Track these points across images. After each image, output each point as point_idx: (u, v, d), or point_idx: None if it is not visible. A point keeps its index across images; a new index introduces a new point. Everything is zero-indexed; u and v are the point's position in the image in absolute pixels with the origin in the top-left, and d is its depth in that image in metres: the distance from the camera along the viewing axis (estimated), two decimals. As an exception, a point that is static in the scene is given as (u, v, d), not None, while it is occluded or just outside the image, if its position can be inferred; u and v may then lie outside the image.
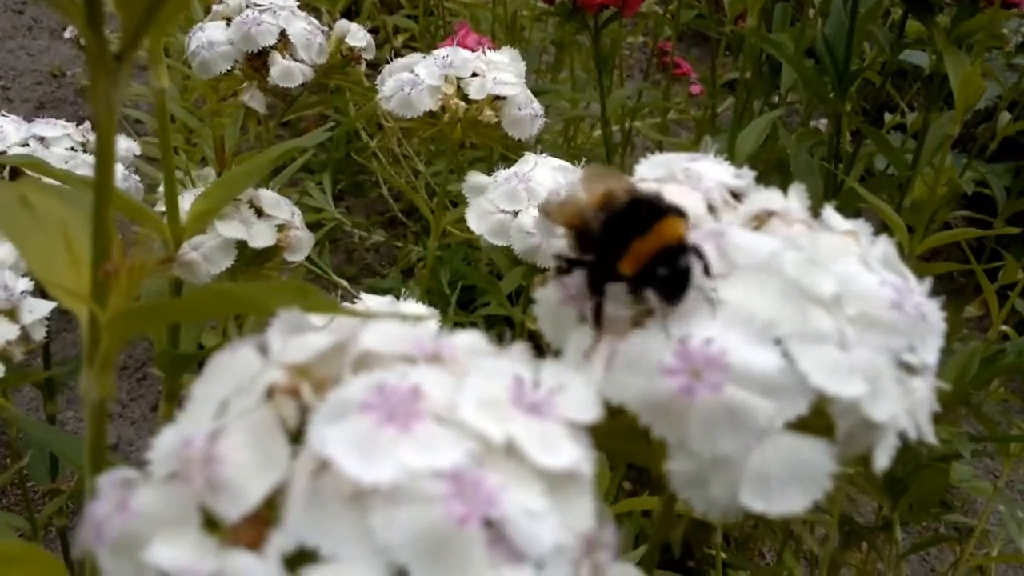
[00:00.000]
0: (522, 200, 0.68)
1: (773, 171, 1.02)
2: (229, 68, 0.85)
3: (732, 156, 1.03)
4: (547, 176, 0.69)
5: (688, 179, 0.35)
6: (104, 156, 0.34)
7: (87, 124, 1.00)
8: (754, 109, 1.25)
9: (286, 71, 0.85)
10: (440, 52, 0.79)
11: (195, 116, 1.28)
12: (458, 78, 0.77)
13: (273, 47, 0.85)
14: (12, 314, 0.57)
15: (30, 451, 1.00)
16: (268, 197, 0.75)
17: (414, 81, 0.76)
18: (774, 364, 0.27)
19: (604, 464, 0.64)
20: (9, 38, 2.71)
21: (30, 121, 0.97)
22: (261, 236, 0.71)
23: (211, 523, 0.24)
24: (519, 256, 0.67)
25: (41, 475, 1.14)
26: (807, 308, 0.28)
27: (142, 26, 0.33)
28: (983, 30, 0.81)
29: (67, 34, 1.94)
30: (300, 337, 0.28)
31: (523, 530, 0.23)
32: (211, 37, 0.85)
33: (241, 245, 0.73)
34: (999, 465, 1.38)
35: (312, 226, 1.66)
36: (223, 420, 0.25)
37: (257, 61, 0.86)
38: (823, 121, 1.63)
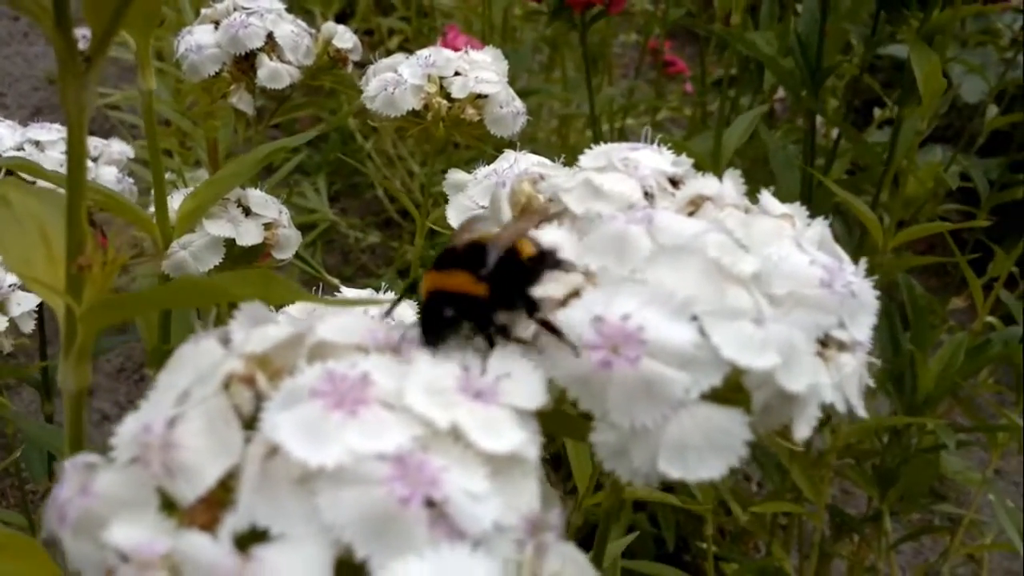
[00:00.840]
0: (500, 197, 0.69)
1: (759, 167, 1.03)
2: (217, 71, 0.86)
3: (718, 153, 1.04)
4: (527, 173, 0.70)
5: (626, 167, 0.36)
6: (76, 154, 0.36)
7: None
8: (742, 106, 1.26)
9: (273, 73, 0.86)
10: (423, 52, 0.80)
11: (188, 119, 1.29)
12: (440, 77, 0.78)
13: (260, 49, 0.86)
14: (1, 307, 0.58)
15: (23, 447, 1.01)
16: (256, 196, 0.76)
17: (397, 81, 0.77)
18: (689, 338, 0.28)
19: (587, 453, 0.65)
20: (5, 44, 2.72)
21: (26, 126, 0.99)
22: (248, 234, 0.72)
23: (169, 506, 0.25)
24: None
25: (39, 474, 1.15)
26: (725, 286, 0.30)
27: (110, 29, 0.35)
28: (950, 25, 0.82)
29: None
30: (261, 328, 0.29)
31: (464, 511, 0.24)
32: (199, 40, 0.86)
33: (229, 243, 0.74)
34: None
35: (307, 227, 1.67)
36: (182, 408, 0.26)
37: (245, 64, 0.87)
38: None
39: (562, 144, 1.70)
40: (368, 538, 0.23)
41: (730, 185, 0.35)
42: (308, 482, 0.24)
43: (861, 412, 0.30)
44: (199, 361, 0.29)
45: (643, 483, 0.27)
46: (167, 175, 0.88)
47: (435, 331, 0.29)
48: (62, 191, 0.87)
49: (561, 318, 0.28)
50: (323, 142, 1.88)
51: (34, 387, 1.07)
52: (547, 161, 0.75)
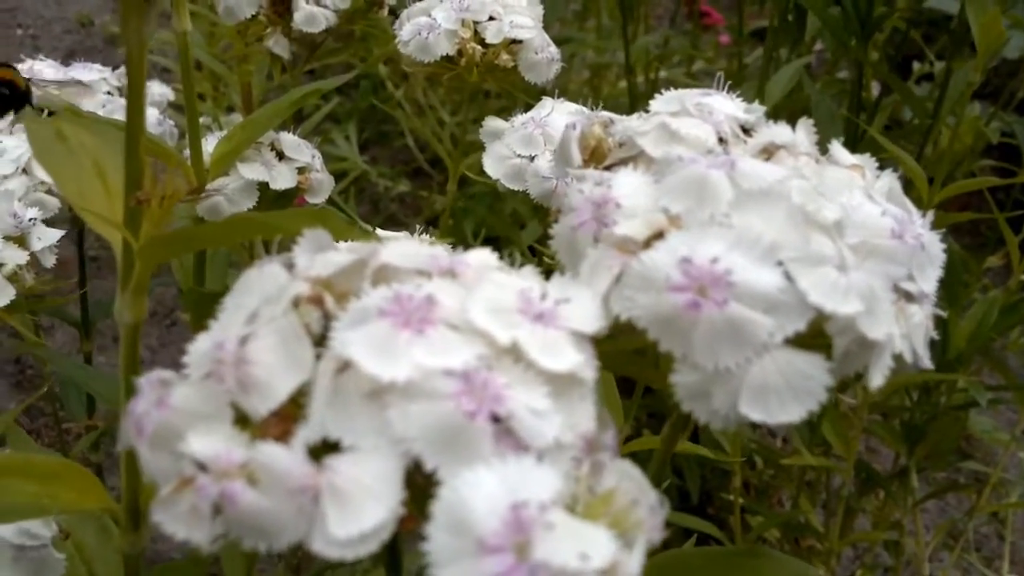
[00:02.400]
0: (538, 145, 0.69)
1: (797, 120, 1.01)
2: (254, 14, 0.86)
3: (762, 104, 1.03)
4: (564, 121, 0.70)
5: (700, 112, 0.36)
6: (135, 89, 0.36)
7: (122, 69, 1.02)
8: (781, 58, 1.25)
9: (309, 16, 0.86)
10: (462, -5, 0.80)
11: (222, 62, 1.29)
12: (475, 22, 0.77)
13: (297, -9, 0.86)
14: (22, 241, 0.60)
15: (59, 385, 1.03)
16: (289, 140, 0.76)
17: (431, 25, 0.77)
18: (776, 283, 0.28)
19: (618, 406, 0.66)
20: (38, -13, 2.72)
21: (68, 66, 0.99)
22: (282, 178, 0.73)
23: (241, 420, 0.26)
24: (535, 200, 0.68)
25: (78, 413, 1.18)
26: (810, 233, 0.30)
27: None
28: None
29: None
30: (324, 255, 0.30)
31: (527, 426, 0.25)
32: (237, -17, 0.86)
33: (263, 187, 0.74)
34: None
35: (337, 175, 1.67)
36: (252, 327, 0.27)
37: (281, 7, 0.87)
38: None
39: (594, 94, 1.69)
40: (437, 450, 0.24)
41: (803, 134, 0.35)
42: (378, 396, 0.25)
43: (926, 363, 0.31)
44: (264, 285, 0.29)
45: (721, 425, 0.28)
46: (201, 119, 0.88)
47: None
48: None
49: (644, 258, 0.29)
50: (353, 90, 1.87)
51: (73, 326, 1.09)
52: (584, 109, 0.75)
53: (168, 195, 0.36)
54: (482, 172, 0.87)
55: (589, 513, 0.24)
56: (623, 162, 0.35)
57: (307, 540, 0.24)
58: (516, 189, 0.68)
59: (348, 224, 0.33)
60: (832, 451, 1.11)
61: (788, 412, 0.28)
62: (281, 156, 0.75)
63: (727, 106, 0.38)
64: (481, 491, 0.22)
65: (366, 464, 0.24)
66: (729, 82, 0.43)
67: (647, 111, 0.38)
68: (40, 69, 0.99)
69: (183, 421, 0.26)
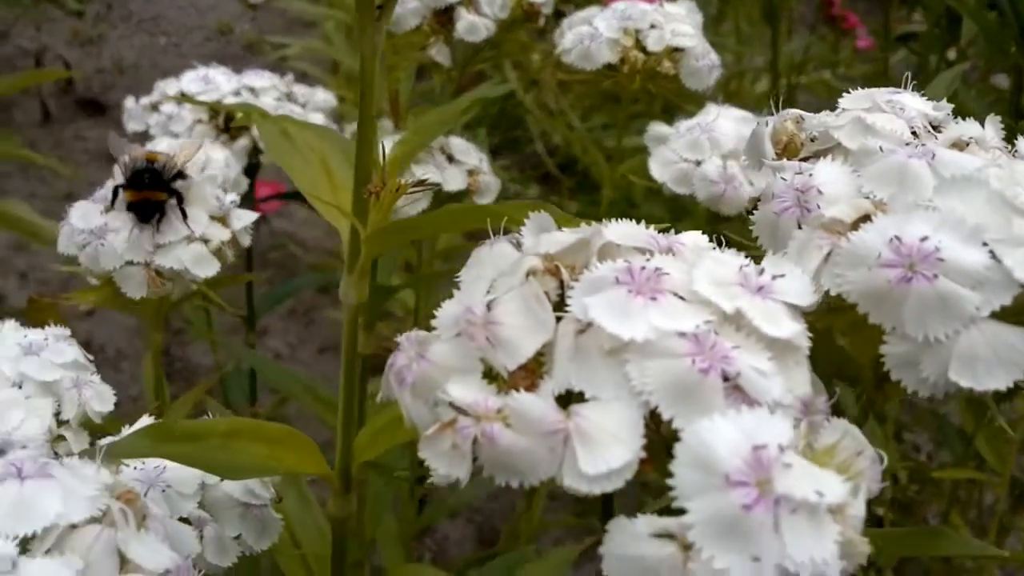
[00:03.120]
0: (705, 149, 0.71)
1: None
2: (417, 24, 0.92)
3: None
4: (730, 126, 0.72)
5: (892, 108, 0.38)
6: (369, 90, 0.41)
7: (289, 76, 1.10)
8: (930, 64, 1.22)
9: (471, 26, 0.91)
10: (618, 5, 0.83)
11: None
12: (636, 30, 0.80)
13: (459, 3, 0.91)
14: (223, 220, 0.65)
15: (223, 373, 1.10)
16: (458, 144, 0.81)
17: (593, 34, 0.80)
18: (982, 261, 0.30)
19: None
20: (178, -6, 2.89)
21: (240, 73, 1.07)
22: (453, 180, 0.77)
23: (489, 373, 0.30)
24: (702, 203, 0.71)
25: (240, 401, 1.26)
26: (1010, 216, 0.32)
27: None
28: None
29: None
30: (548, 235, 0.33)
31: (754, 383, 0.27)
32: (402, -4, 0.92)
33: (434, 189, 0.79)
34: None
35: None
36: (494, 294, 0.31)
37: (443, 16, 0.92)
38: (1003, 76, 1.56)
39: (728, 99, 1.69)
40: (673, 402, 0.27)
41: (991, 130, 0.37)
42: (617, 354, 0.28)
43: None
44: (496, 260, 0.33)
45: (929, 392, 0.30)
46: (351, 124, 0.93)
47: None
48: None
49: (854, 238, 0.31)
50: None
51: (239, 317, 1.17)
52: (749, 115, 0.76)
53: (395, 188, 0.40)
54: (623, 176, 0.90)
55: (816, 461, 0.27)
56: (817, 155, 0.37)
57: (558, 476, 0.27)
58: (682, 192, 0.71)
59: (563, 214, 0.36)
60: (985, 466, 1.08)
61: (995, 379, 0.30)
62: (451, 159, 0.79)
63: (917, 103, 0.40)
64: (722, 435, 0.25)
65: (609, 412, 0.27)
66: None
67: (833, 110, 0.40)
68: (214, 76, 1.07)
69: (440, 373, 0.30)
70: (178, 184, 0.60)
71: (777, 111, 0.90)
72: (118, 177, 0.61)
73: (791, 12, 1.77)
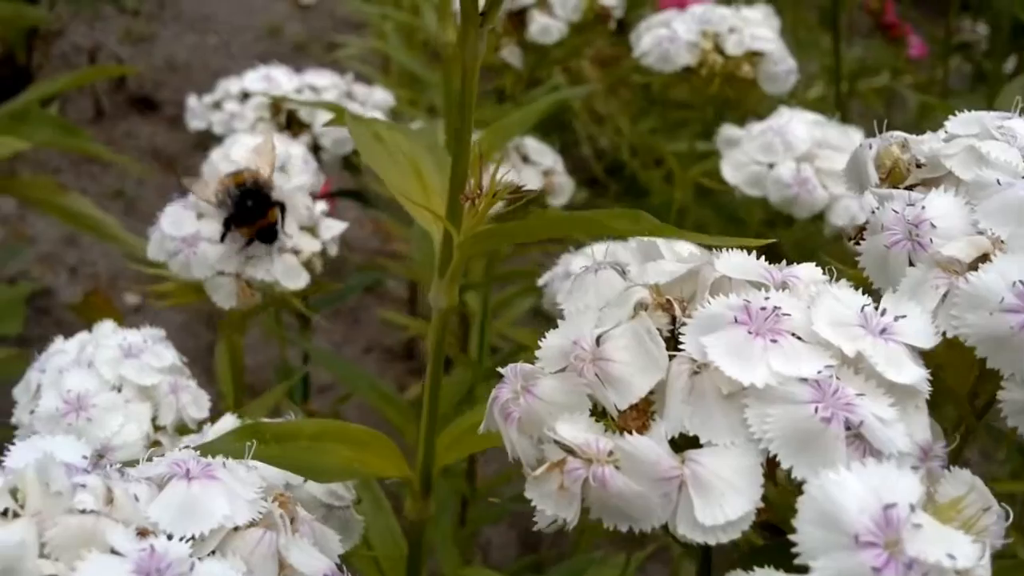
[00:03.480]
0: (778, 152, 0.70)
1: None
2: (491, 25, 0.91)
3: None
4: (803, 129, 0.71)
5: (1004, 136, 0.37)
6: (468, 95, 0.40)
7: (349, 75, 1.10)
8: (988, 70, 1.19)
9: (544, 28, 0.90)
10: (696, 9, 0.81)
11: (420, 64, 1.35)
12: (715, 33, 0.79)
13: (532, 5, 0.90)
14: (313, 230, 0.65)
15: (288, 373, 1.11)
16: (533, 145, 0.80)
17: (671, 37, 0.79)
18: None
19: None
20: (229, -5, 2.91)
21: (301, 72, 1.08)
22: (530, 180, 0.77)
23: (595, 412, 0.29)
24: (774, 206, 0.70)
25: (295, 398, 1.27)
26: None
27: (502, -7, 0.39)
28: None
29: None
30: (656, 263, 0.32)
31: (878, 434, 0.26)
32: (474, -3, 0.91)
33: (532, 196, 0.78)
34: None
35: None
36: (602, 328, 0.30)
37: (516, 19, 0.92)
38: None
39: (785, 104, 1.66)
40: (794, 451, 0.26)
41: None
42: (734, 398, 0.27)
43: None
44: (601, 288, 0.32)
45: None
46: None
47: None
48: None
49: (973, 279, 0.30)
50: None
51: (301, 319, 1.18)
52: (822, 119, 0.75)
53: (491, 194, 0.39)
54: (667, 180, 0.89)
55: (939, 515, 0.26)
56: (926, 183, 0.36)
57: (671, 524, 0.27)
58: (754, 195, 0.70)
59: (660, 224, 0.35)
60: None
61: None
62: (525, 159, 0.79)
63: (1027, 128, 0.38)
64: (850, 491, 0.24)
65: (726, 459, 0.26)
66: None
67: (940, 131, 0.38)
68: (275, 75, 1.08)
69: (547, 410, 0.29)
70: (274, 194, 0.60)
71: (844, 118, 0.87)
72: (216, 206, 0.60)
73: (851, 19, 1.74)
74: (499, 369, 0.31)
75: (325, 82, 1.07)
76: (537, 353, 0.31)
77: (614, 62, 2.22)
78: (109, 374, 0.50)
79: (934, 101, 1.14)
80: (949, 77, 1.55)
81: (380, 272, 1.48)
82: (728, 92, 0.78)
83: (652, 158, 1.97)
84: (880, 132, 0.74)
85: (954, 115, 0.39)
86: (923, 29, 1.80)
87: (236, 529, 0.33)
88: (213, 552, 0.32)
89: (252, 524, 0.33)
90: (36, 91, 0.95)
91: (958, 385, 0.33)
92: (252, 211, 0.58)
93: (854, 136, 0.71)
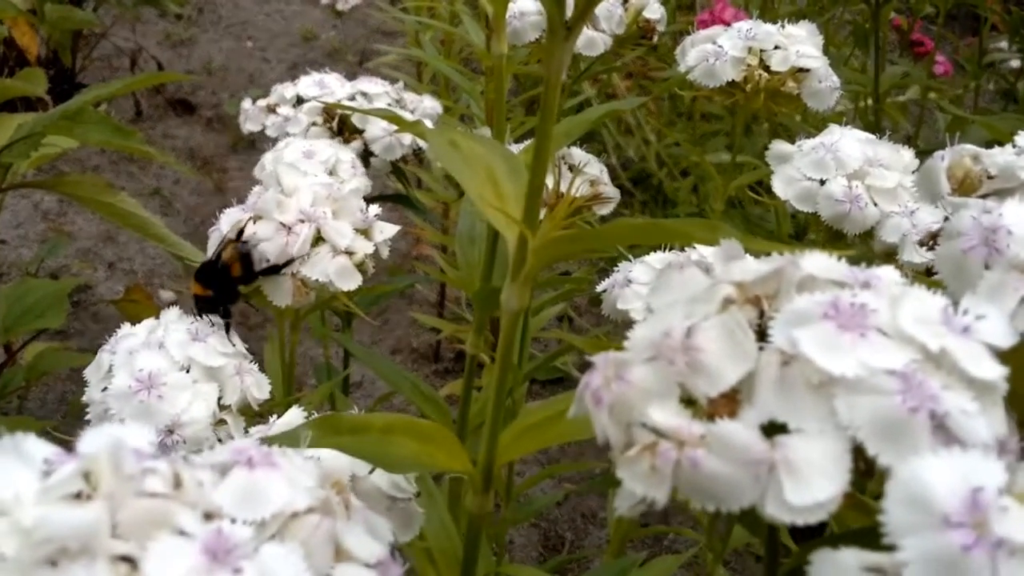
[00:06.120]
0: (830, 169, 0.72)
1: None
2: (537, 37, 0.93)
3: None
4: (854, 146, 0.72)
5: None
6: (549, 105, 0.42)
7: (400, 83, 1.12)
8: (1017, 91, 1.21)
9: (589, 41, 0.92)
10: (742, 25, 0.83)
11: (461, 73, 1.38)
12: (761, 50, 0.81)
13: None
14: (367, 233, 0.66)
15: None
16: (579, 154, 0.82)
17: (718, 52, 0.81)
18: None
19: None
20: (265, 2, 2.97)
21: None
22: (580, 189, 0.78)
23: (684, 400, 0.31)
24: (826, 221, 0.71)
25: (335, 395, 1.29)
26: None
27: (588, 7, 0.41)
28: None
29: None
30: (741, 262, 0.34)
31: (961, 424, 0.28)
32: (522, 7, 0.93)
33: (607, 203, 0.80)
34: None
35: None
36: (692, 320, 0.32)
37: (563, 31, 0.94)
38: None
39: (806, 120, 1.68)
40: (880, 439, 0.28)
41: None
42: (823, 388, 0.28)
43: None
44: (687, 285, 0.34)
45: None
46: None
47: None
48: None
49: None
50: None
51: (339, 316, 1.20)
52: (873, 136, 0.76)
53: (569, 201, 0.41)
54: (693, 191, 0.90)
55: (1021, 502, 0.27)
56: (998, 193, 0.38)
57: (759, 504, 0.28)
58: (806, 210, 0.71)
59: (736, 233, 0.37)
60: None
61: None
62: (572, 168, 0.80)
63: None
64: (939, 474, 0.26)
65: (816, 445, 0.28)
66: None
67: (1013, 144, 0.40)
68: (329, 82, 1.10)
69: (638, 396, 0.31)
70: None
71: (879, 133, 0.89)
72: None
73: (888, 36, 1.76)
74: (589, 357, 0.33)
75: (377, 89, 1.10)
76: (625, 344, 0.33)
77: (642, 74, 2.24)
78: (179, 355, 0.53)
79: (971, 117, 1.16)
80: (957, 97, 1.57)
81: (417, 276, 1.50)
82: (772, 108, 0.79)
83: (679, 169, 1.99)
84: (911, 147, 0.75)
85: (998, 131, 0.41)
86: (950, 47, 1.82)
87: (295, 515, 0.34)
88: (273, 536, 0.33)
89: (310, 510, 0.35)
90: (90, 93, 0.97)
91: (1021, 387, 0.34)
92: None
93: (904, 155, 0.73)
